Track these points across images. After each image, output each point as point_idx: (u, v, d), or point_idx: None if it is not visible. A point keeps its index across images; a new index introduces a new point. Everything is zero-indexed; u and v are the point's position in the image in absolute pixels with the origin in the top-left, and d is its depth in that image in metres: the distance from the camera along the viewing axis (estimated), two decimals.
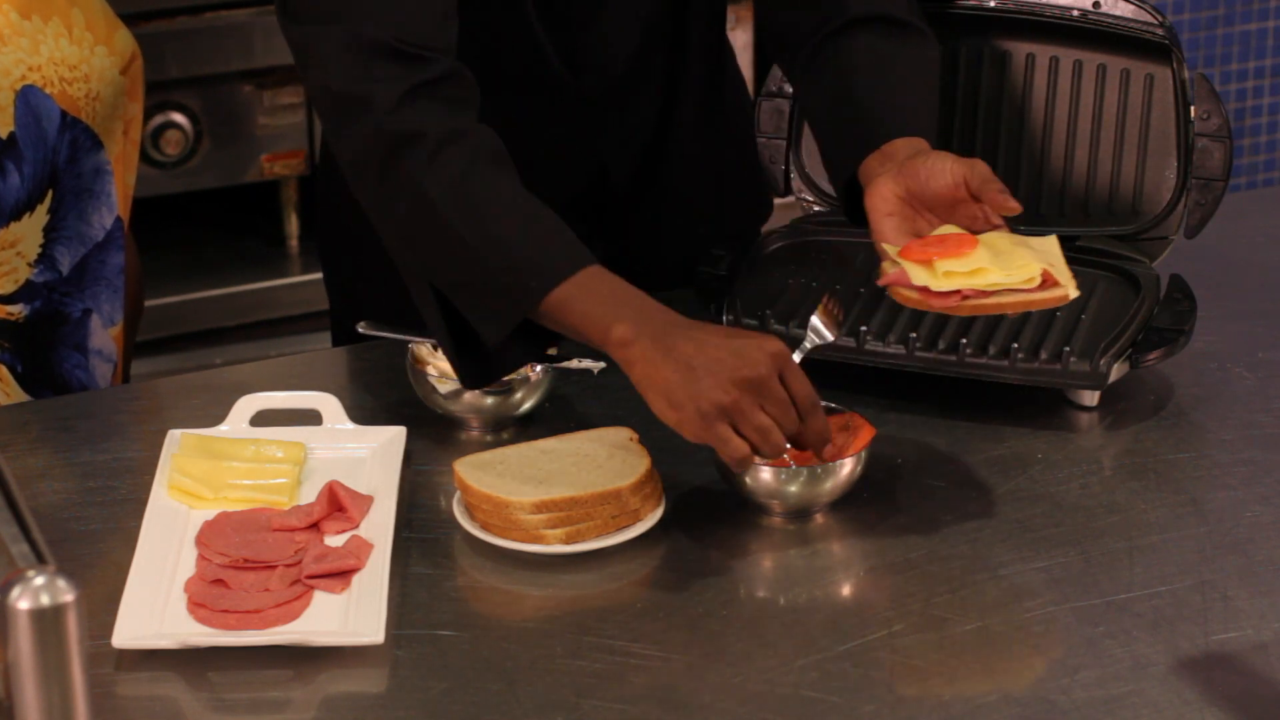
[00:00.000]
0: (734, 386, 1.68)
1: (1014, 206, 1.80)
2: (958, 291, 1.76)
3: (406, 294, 1.93)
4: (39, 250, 2.04)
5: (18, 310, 2.05)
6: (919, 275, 1.77)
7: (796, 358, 1.78)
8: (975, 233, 1.81)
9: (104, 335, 2.13)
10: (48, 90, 2.01)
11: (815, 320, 1.84)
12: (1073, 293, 1.77)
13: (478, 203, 1.77)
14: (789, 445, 1.72)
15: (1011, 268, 1.76)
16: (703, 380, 1.68)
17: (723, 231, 2.19)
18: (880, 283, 1.80)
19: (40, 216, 2.03)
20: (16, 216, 2.01)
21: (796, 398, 1.71)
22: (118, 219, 2.11)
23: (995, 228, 1.81)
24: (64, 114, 2.03)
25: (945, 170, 1.82)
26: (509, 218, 1.77)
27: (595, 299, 1.74)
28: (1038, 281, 1.76)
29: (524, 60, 2.05)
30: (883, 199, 1.83)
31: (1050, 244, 1.81)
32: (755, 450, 1.69)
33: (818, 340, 1.84)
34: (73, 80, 2.03)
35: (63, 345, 2.09)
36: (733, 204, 2.25)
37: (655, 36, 2.10)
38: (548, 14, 2.03)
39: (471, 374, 1.84)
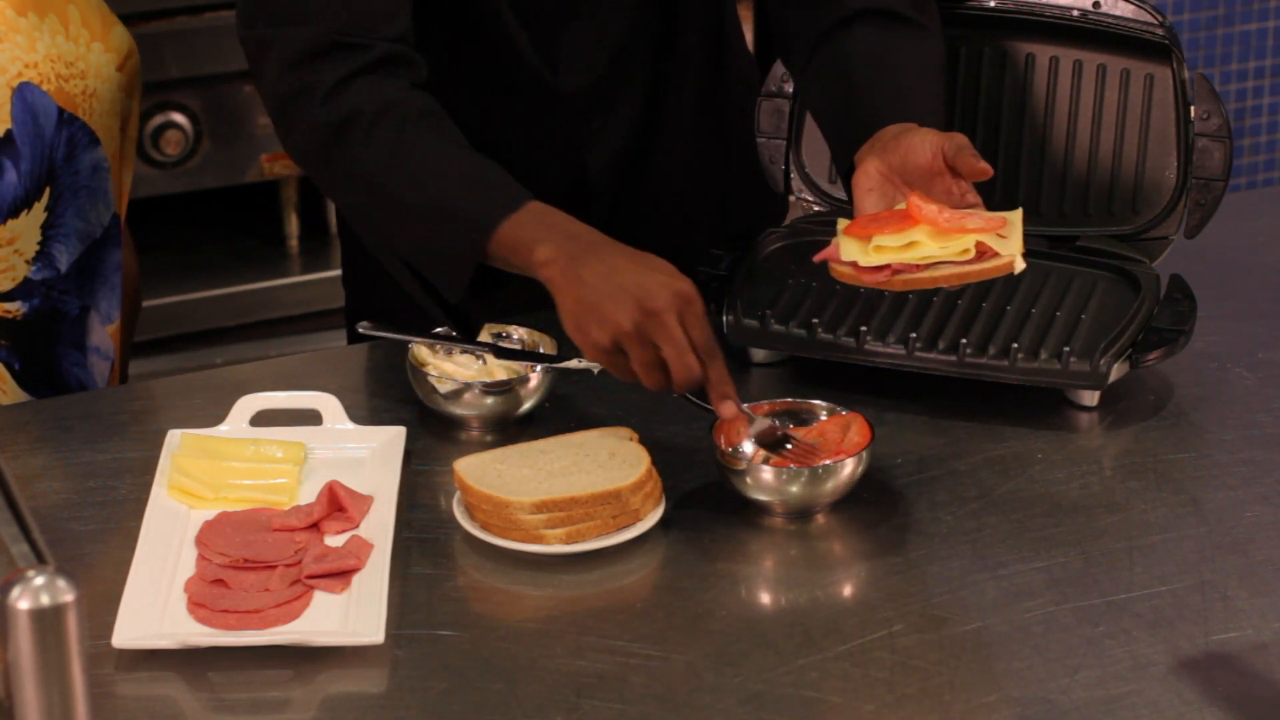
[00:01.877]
0: (630, 317, 1.72)
1: (984, 169, 1.79)
2: (888, 266, 1.75)
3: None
4: (37, 248, 2.04)
5: (15, 308, 2.05)
6: (849, 250, 1.76)
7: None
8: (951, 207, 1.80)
9: (102, 333, 2.13)
10: (45, 87, 2.01)
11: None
12: (1019, 264, 1.74)
13: (413, 168, 1.85)
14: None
15: (947, 240, 1.74)
16: (605, 306, 1.72)
17: (726, 233, 2.18)
18: (816, 258, 1.80)
19: (38, 214, 2.03)
20: (14, 214, 2.01)
21: (695, 342, 1.73)
22: (115, 216, 2.11)
23: (970, 206, 1.80)
24: (61, 111, 2.03)
25: (925, 143, 1.82)
26: (443, 177, 1.85)
27: (527, 229, 1.80)
28: (972, 254, 1.74)
29: (501, 58, 2.05)
30: (866, 175, 1.83)
31: (1014, 216, 1.79)
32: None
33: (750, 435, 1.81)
34: (69, 77, 2.03)
35: (61, 343, 2.09)
36: (737, 206, 2.24)
37: (640, 37, 2.09)
38: (524, 12, 2.03)
39: (463, 328, 1.93)
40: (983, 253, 1.75)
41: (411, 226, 1.86)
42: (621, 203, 2.16)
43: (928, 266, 1.74)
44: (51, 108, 2.02)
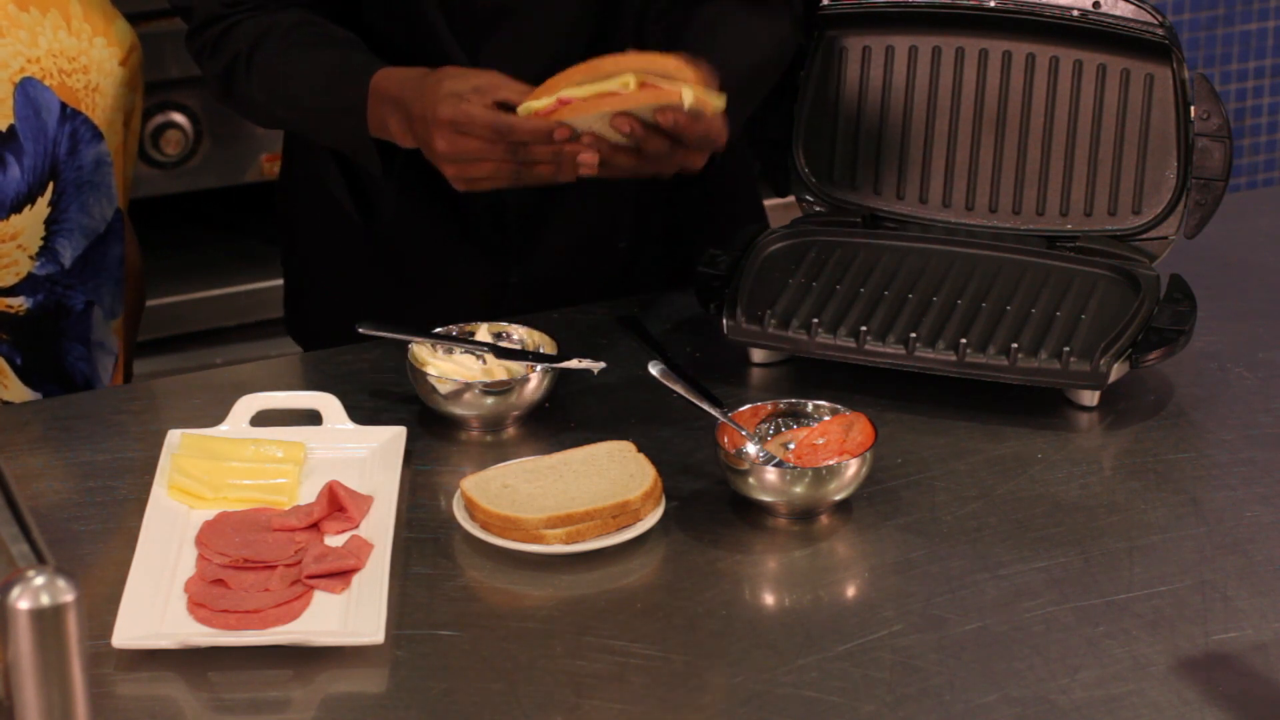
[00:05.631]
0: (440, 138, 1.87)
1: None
2: (557, 101, 1.84)
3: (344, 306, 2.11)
4: (41, 243, 2.05)
5: (18, 303, 2.05)
6: (528, 107, 1.85)
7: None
8: None
9: (106, 328, 2.13)
10: (47, 82, 2.02)
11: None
12: (687, 96, 1.82)
13: (287, 91, 2.03)
14: None
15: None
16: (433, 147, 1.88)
17: (672, 264, 2.22)
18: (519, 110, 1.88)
19: (41, 209, 2.03)
20: (17, 209, 2.02)
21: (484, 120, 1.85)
22: (117, 210, 2.12)
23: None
24: (64, 106, 2.03)
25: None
26: (310, 90, 2.01)
27: (375, 111, 1.96)
28: (632, 87, 1.82)
29: (425, 59, 2.04)
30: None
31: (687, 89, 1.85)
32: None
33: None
34: (72, 72, 2.04)
35: (65, 338, 2.09)
36: (691, 233, 2.23)
37: (570, 54, 2.02)
38: (453, 13, 2.03)
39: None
40: (645, 87, 1.83)
41: (315, 132, 2.07)
42: (539, 224, 2.14)
43: (595, 98, 1.83)
44: (54, 102, 2.02)
